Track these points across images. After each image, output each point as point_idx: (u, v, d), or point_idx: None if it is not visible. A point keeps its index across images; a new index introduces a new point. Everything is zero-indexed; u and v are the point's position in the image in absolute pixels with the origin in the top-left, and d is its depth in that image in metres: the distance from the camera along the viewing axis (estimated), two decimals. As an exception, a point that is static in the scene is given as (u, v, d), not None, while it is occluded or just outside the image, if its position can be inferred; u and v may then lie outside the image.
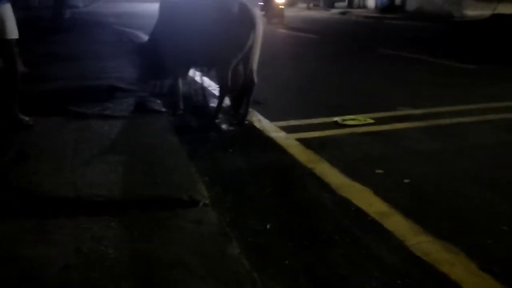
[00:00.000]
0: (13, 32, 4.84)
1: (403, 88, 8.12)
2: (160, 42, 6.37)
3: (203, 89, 7.18)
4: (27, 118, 5.20)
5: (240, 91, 5.86)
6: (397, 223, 3.50)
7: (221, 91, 5.90)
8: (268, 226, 3.46)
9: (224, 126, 5.82)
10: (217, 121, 5.87)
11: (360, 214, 3.66)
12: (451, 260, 3.06)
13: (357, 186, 4.13)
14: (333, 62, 11.07)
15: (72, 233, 3.15)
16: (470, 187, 4.10)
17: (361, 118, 6.17)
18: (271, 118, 6.06)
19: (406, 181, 4.25)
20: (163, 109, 6.21)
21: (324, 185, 4.16)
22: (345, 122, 6.03)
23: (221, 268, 2.84)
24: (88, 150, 4.54)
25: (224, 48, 5.43)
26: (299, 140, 5.35)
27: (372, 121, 6.10)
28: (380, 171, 4.48)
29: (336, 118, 6.13)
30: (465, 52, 11.75)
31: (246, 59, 5.63)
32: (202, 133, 5.53)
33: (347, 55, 12.20)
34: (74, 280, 2.71)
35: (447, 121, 6.08)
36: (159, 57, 6.33)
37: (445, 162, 4.71)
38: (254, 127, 5.83)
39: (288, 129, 5.71)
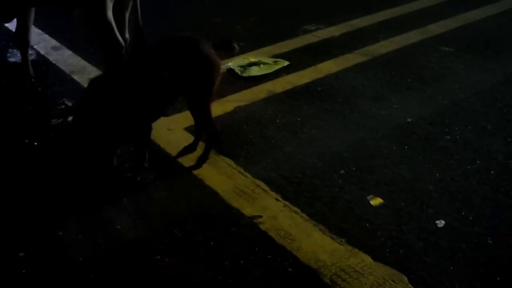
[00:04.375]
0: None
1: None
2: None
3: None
4: None
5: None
6: None
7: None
8: None
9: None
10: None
11: None
12: None
13: None
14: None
15: None
16: None
17: (268, 60, 3.87)
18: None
19: None
20: None
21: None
22: (246, 73, 3.70)
23: None
24: None
25: None
26: (192, 131, 2.93)
27: (286, 62, 3.85)
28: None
29: (229, 64, 3.75)
30: None
31: None
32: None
33: None
34: None
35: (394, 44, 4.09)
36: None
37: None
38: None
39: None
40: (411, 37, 4.24)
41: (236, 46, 2.63)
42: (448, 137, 2.87)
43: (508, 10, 4.78)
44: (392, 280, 1.96)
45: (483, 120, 3.04)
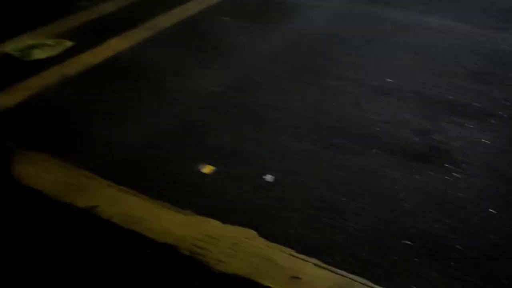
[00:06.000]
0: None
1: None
2: None
3: None
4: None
5: None
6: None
7: None
8: None
9: None
10: None
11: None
12: None
13: None
14: None
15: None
16: None
17: (50, 41, 3.59)
18: None
19: None
20: None
21: None
22: (29, 57, 3.38)
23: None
24: None
25: None
26: None
27: (69, 42, 3.61)
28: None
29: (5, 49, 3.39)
30: None
31: None
32: None
33: None
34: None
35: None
36: None
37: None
38: None
39: None
40: (190, 8, 4.32)
41: None
42: (255, 100, 3.05)
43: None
44: (245, 238, 2.05)
45: (284, 82, 3.27)
